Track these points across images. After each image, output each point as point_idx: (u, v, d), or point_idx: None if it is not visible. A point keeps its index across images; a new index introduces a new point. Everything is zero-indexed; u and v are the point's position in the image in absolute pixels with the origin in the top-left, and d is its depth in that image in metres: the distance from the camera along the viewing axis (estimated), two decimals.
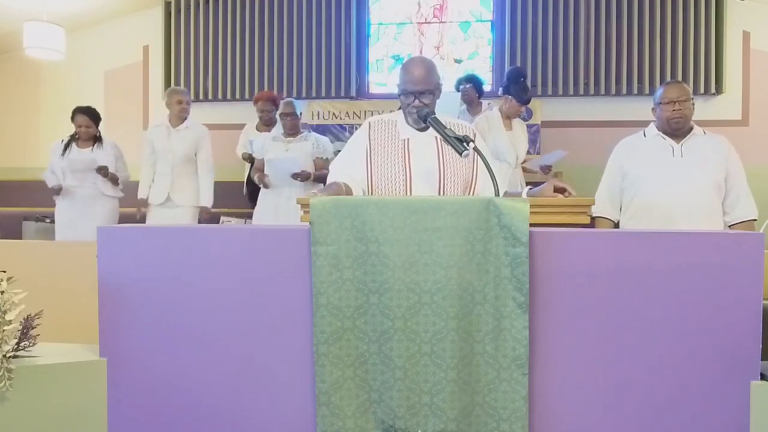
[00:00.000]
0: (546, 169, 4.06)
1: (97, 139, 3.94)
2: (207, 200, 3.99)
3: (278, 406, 1.46)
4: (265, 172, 3.82)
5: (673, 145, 2.51)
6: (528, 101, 3.90)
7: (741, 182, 2.49)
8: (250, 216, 4.58)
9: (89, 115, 3.90)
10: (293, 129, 3.84)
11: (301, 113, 3.95)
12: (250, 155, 4.70)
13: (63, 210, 3.89)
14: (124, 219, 4.00)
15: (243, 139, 4.92)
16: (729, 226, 2.49)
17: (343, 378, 1.40)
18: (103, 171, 3.79)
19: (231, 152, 5.17)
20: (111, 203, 3.95)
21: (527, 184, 3.95)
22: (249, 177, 4.82)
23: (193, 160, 3.95)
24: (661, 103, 2.52)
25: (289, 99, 3.97)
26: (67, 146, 3.88)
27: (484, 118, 3.92)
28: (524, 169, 4.14)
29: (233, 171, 5.48)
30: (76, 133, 3.91)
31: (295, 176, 3.68)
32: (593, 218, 2.62)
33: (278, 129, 4.51)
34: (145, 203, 3.97)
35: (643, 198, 2.50)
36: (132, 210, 4.07)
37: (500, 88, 3.97)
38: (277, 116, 3.91)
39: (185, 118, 3.96)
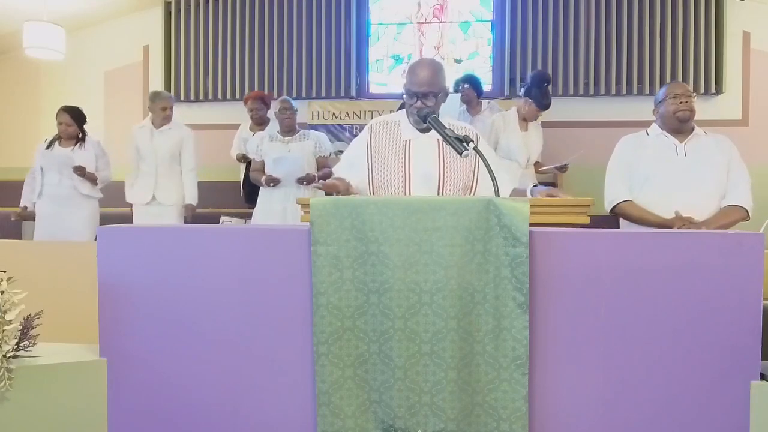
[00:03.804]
0: (562, 168, 4.04)
1: (79, 139, 3.93)
2: (191, 198, 4.00)
3: (278, 406, 1.46)
4: (271, 173, 3.77)
5: (676, 144, 2.51)
6: (547, 107, 3.89)
7: (741, 174, 2.47)
8: (249, 216, 4.57)
9: (71, 114, 3.89)
10: (291, 127, 3.83)
11: (296, 110, 3.95)
12: (245, 155, 4.71)
13: (41, 208, 3.88)
14: (108, 219, 4.00)
15: (237, 140, 4.92)
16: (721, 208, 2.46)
17: (343, 378, 1.40)
18: (79, 171, 3.77)
19: (230, 152, 5.17)
20: (90, 204, 3.92)
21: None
22: (245, 178, 4.82)
23: (177, 160, 3.97)
24: (666, 98, 2.52)
25: (285, 96, 3.96)
26: (50, 144, 3.89)
27: (500, 116, 3.95)
28: (540, 171, 4.14)
29: (233, 171, 5.48)
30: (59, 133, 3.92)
31: (300, 181, 3.66)
32: (613, 209, 2.58)
33: (271, 128, 4.51)
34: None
35: (646, 196, 2.49)
36: (114, 210, 4.08)
37: (522, 89, 3.97)
38: (274, 114, 3.89)
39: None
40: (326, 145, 3.91)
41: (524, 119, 3.87)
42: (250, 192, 4.63)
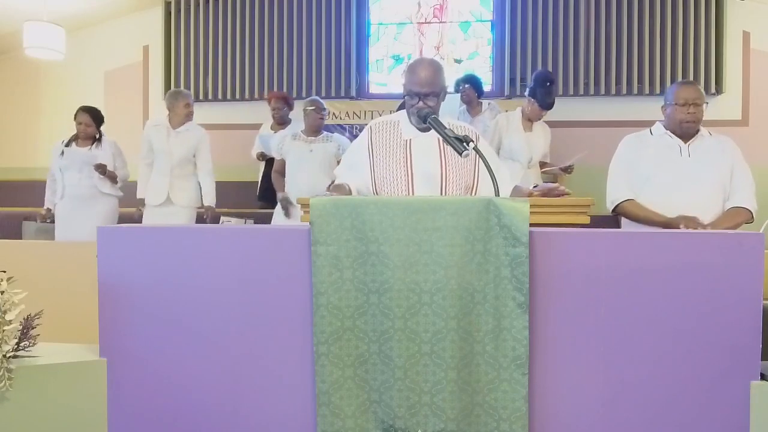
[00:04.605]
0: (567, 169, 4.03)
1: (96, 140, 3.98)
2: (212, 200, 4.04)
3: (278, 406, 1.46)
4: (294, 172, 3.73)
5: (680, 144, 2.50)
6: (550, 106, 3.86)
7: (744, 176, 2.47)
8: (250, 216, 4.57)
9: (91, 114, 3.95)
10: (320, 127, 3.85)
11: (327, 112, 3.96)
12: (263, 153, 4.70)
13: (62, 208, 3.92)
14: (124, 219, 4.01)
15: (257, 139, 4.91)
16: (726, 210, 2.46)
17: (343, 378, 1.40)
18: (101, 168, 3.81)
19: (231, 152, 5.18)
20: (110, 202, 3.98)
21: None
22: (263, 176, 4.81)
23: (190, 161, 3.96)
24: (675, 103, 2.48)
25: (315, 97, 3.98)
26: (67, 145, 3.95)
27: (504, 116, 3.94)
28: (545, 172, 4.12)
29: (234, 171, 5.49)
30: (76, 133, 3.96)
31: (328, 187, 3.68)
32: (615, 209, 2.56)
33: (292, 127, 4.51)
34: (143, 203, 3.99)
35: (648, 196, 2.48)
36: (131, 210, 4.08)
37: (527, 89, 3.96)
38: (303, 111, 3.89)
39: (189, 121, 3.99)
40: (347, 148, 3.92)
41: (529, 119, 3.87)
42: (265, 189, 4.62)
